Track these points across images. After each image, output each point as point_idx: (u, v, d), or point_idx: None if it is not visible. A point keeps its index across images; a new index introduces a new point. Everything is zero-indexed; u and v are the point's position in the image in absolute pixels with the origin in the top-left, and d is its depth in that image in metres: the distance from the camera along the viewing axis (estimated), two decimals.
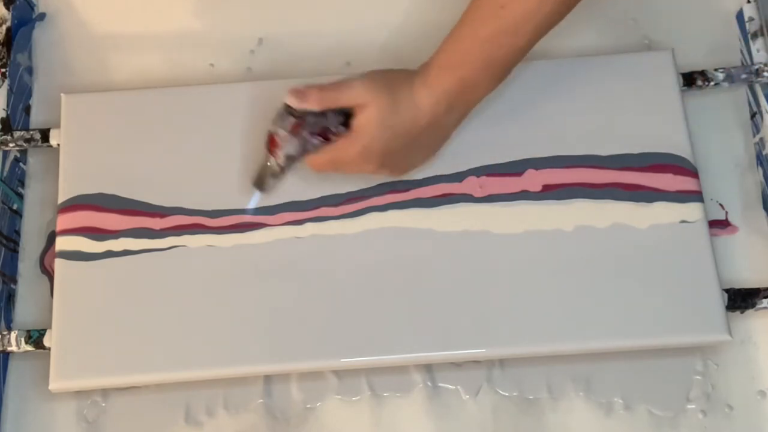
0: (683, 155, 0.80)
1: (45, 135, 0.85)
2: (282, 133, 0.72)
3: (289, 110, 0.72)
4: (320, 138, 0.73)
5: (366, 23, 0.90)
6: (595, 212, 0.79)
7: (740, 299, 0.78)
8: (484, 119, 0.82)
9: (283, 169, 0.74)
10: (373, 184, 0.80)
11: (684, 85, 0.84)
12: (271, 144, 0.73)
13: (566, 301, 0.76)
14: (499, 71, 0.73)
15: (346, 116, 0.72)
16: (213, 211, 0.80)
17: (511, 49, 0.71)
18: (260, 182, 0.75)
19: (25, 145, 0.85)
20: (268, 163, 0.74)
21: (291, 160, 0.73)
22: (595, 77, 0.83)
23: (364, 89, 0.71)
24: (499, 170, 0.80)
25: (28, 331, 0.78)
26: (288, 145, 0.72)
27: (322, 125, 0.72)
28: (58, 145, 0.83)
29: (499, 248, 0.78)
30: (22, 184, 0.86)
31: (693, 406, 0.77)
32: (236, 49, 0.90)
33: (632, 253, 0.77)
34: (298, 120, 0.72)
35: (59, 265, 0.79)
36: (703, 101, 0.86)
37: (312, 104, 0.71)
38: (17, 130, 0.85)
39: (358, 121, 0.72)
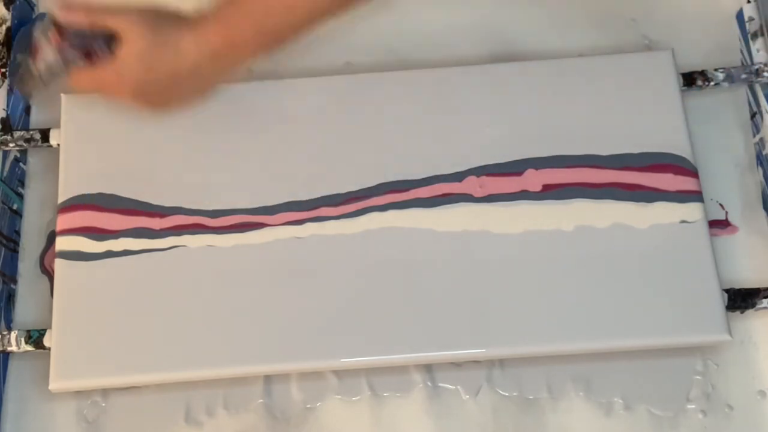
0: (683, 155, 0.80)
1: (45, 135, 0.85)
2: (43, 41, 0.74)
3: (54, 21, 0.74)
4: (81, 55, 0.74)
5: (366, 23, 0.90)
6: (595, 212, 0.79)
7: (740, 299, 0.78)
8: (484, 119, 0.82)
9: (42, 77, 0.75)
10: (374, 184, 0.80)
11: (684, 85, 0.84)
12: (34, 49, 0.75)
13: (566, 301, 0.76)
14: (269, 41, 0.75)
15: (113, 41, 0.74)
16: (213, 211, 0.80)
17: (283, 23, 0.73)
18: (20, 83, 0.77)
19: (25, 145, 0.85)
20: (30, 67, 0.75)
21: (51, 70, 0.75)
22: (595, 77, 0.83)
23: (130, 19, 0.74)
24: (499, 170, 0.80)
25: (28, 331, 0.78)
26: (47, 54, 0.74)
27: (85, 44, 0.74)
28: (58, 145, 0.83)
29: (499, 248, 0.78)
30: (22, 184, 0.86)
31: (693, 406, 0.77)
32: None
33: (632, 253, 0.77)
34: (60, 32, 0.74)
35: (59, 265, 0.79)
36: (703, 101, 0.86)
37: (77, 18, 0.74)
38: (17, 130, 0.85)
39: (120, 49, 0.74)
